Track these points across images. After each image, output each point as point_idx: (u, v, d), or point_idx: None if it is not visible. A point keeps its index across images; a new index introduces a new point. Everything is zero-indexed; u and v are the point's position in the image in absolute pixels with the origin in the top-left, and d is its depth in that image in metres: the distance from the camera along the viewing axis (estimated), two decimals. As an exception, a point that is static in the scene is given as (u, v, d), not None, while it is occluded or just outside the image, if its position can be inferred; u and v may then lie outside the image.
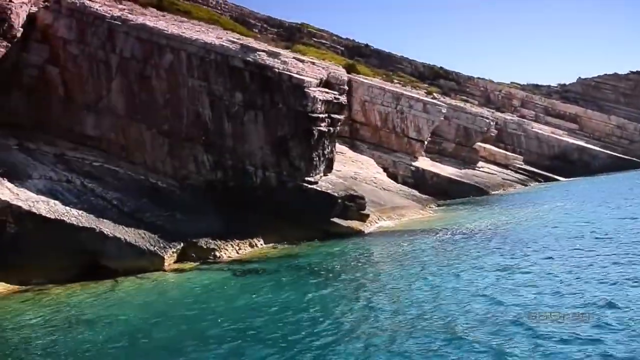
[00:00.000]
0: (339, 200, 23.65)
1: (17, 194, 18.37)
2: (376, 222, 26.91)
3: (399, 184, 38.25)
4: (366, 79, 47.24)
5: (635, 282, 13.02)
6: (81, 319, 13.30)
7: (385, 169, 40.33)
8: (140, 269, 17.86)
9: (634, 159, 64.07)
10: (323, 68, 25.56)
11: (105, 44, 22.52)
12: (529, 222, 25.26)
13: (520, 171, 55.23)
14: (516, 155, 58.25)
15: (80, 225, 18.30)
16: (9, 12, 21.03)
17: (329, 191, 23.61)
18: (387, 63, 73.36)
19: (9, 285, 16.68)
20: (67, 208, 18.83)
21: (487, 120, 51.72)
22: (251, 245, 21.43)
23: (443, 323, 10.96)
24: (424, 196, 37.02)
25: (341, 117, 25.79)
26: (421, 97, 46.68)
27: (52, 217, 18.12)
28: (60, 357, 10.94)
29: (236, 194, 22.59)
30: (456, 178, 44.15)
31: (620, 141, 71.76)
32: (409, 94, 46.71)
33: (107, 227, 18.62)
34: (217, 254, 19.98)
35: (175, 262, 19.13)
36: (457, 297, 12.79)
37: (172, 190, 22.47)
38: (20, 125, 21.87)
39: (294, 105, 22.35)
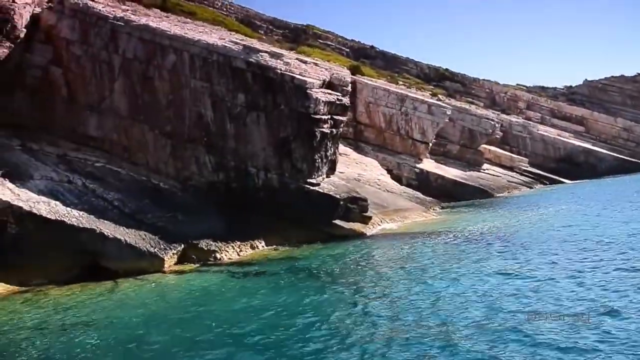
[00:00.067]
0: (341, 202, 23.55)
1: (18, 195, 18.40)
2: (379, 225, 26.80)
3: (403, 186, 38.13)
4: (370, 80, 47.14)
5: (639, 288, 12.82)
6: (79, 320, 13.27)
7: (389, 171, 40.23)
8: (140, 271, 17.85)
9: (641, 161, 63.68)
10: (326, 69, 25.46)
11: (108, 45, 22.53)
12: (533, 226, 25.06)
13: (526, 173, 54.97)
14: (521, 158, 57.96)
15: (81, 226, 18.30)
16: (12, 12, 21.08)
17: (331, 193, 23.51)
18: (392, 65, 73.24)
19: (8, 285, 16.70)
20: (68, 209, 18.84)
21: (492, 122, 51.51)
22: (252, 247, 21.36)
23: (440, 330, 10.80)
24: (427, 198, 36.87)
25: (344, 118, 25.67)
26: (426, 99, 46.52)
27: (53, 217, 18.13)
28: (56, 359, 10.89)
29: (238, 195, 22.54)
30: (461, 180, 43.98)
31: (627, 144, 71.29)
32: (414, 95, 46.57)
33: (108, 228, 18.61)
34: (218, 255, 19.93)
35: (176, 263, 19.09)
36: (456, 303, 12.63)
37: (174, 192, 22.45)
38: (23, 126, 21.92)
39: (297, 107, 22.27)
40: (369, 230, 25.20)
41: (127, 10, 24.51)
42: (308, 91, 22.27)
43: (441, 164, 46.47)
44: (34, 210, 18.03)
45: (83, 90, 22.70)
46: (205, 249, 19.98)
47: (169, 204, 21.50)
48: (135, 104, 22.68)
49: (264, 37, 47.10)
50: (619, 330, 10.18)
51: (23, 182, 19.19)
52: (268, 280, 16.53)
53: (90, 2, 23.12)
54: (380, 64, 71.31)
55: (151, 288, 16.33)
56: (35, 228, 17.76)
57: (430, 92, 55.85)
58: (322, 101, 22.79)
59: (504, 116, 63.67)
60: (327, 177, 24.94)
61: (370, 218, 25.40)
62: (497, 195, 43.61)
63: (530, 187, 51.02)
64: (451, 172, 45.20)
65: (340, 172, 29.07)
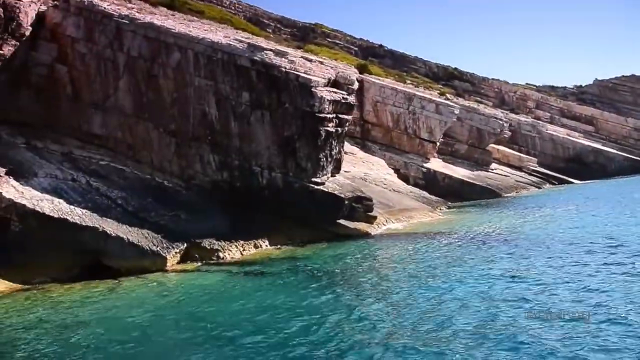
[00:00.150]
0: (346, 202, 23.38)
1: (22, 192, 18.40)
2: (384, 224, 26.61)
3: (410, 186, 37.89)
4: (378, 79, 46.91)
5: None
6: (80, 319, 13.22)
7: (396, 170, 39.98)
8: (143, 269, 17.79)
9: (651, 162, 62.93)
10: (331, 68, 25.30)
11: (112, 43, 22.51)
12: (540, 227, 24.76)
13: (534, 173, 54.51)
14: (530, 157, 57.48)
15: (84, 224, 18.26)
16: (18, 10, 21.09)
17: (335, 192, 23.35)
18: (401, 63, 72.96)
19: (11, 283, 16.67)
20: (71, 207, 18.82)
21: (501, 122, 51.13)
22: (256, 247, 21.26)
23: (441, 334, 10.61)
24: (434, 198, 36.59)
25: (349, 117, 25.48)
26: (433, 98, 46.21)
27: (56, 215, 18.11)
28: (57, 358, 10.84)
29: (242, 194, 22.45)
30: (468, 180, 43.67)
31: (637, 144, 70.58)
32: (421, 94, 46.28)
33: (110, 227, 18.56)
34: (221, 254, 19.84)
35: (179, 262, 19.02)
36: (460, 306, 12.41)
37: (177, 190, 22.39)
38: (28, 124, 21.93)
39: (301, 105, 22.12)
40: (374, 230, 25.02)
41: (133, 8, 24.50)
42: (313, 90, 22.11)
43: (449, 163, 46.17)
44: (38, 208, 18.02)
45: (88, 88, 22.70)
46: (208, 248, 19.90)
47: (172, 203, 21.44)
48: (139, 102, 22.65)
49: (272, 36, 47.06)
50: (621, 338, 9.94)
51: (27, 180, 19.20)
52: (269, 280, 16.40)
53: (96, 0, 23.10)
54: (389, 62, 71.05)
55: (153, 287, 16.26)
56: (38, 226, 17.76)
57: (438, 92, 55.54)
58: (327, 100, 22.63)
59: (512, 115, 63.19)
60: (332, 176, 24.79)
61: (375, 218, 25.21)
62: (505, 195, 43.24)
63: (539, 187, 50.56)
64: (459, 172, 44.88)
65: (346, 171, 28.91)
